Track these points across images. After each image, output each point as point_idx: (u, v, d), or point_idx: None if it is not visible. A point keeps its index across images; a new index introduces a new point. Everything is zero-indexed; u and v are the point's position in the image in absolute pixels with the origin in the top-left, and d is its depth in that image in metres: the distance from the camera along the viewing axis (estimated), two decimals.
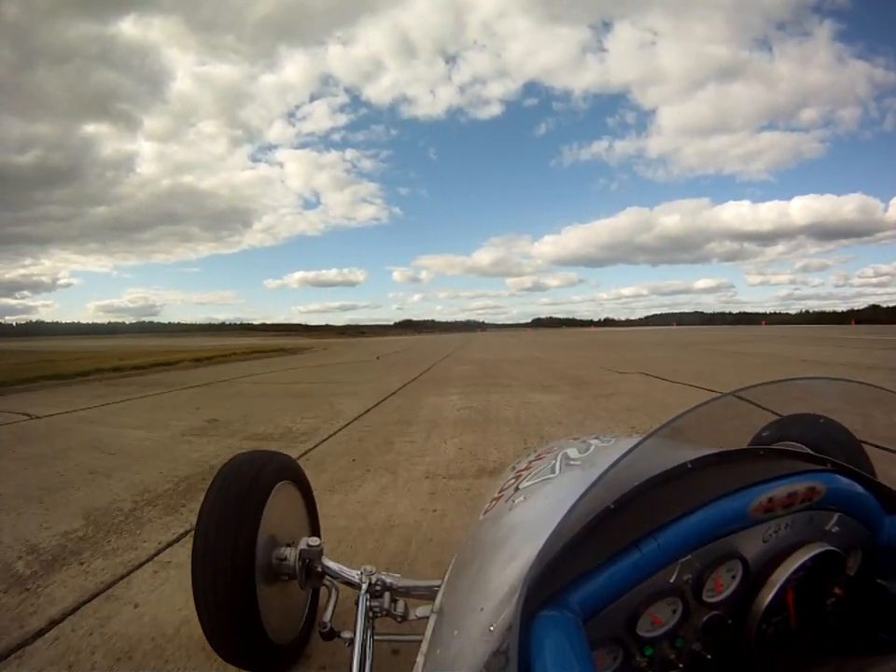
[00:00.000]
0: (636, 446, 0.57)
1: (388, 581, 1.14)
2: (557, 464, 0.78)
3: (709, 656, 0.55)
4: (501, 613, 0.51)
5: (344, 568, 1.18)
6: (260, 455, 1.24)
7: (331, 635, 1.05)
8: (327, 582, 1.18)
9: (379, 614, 1.09)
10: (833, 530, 0.60)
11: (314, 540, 1.16)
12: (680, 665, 0.55)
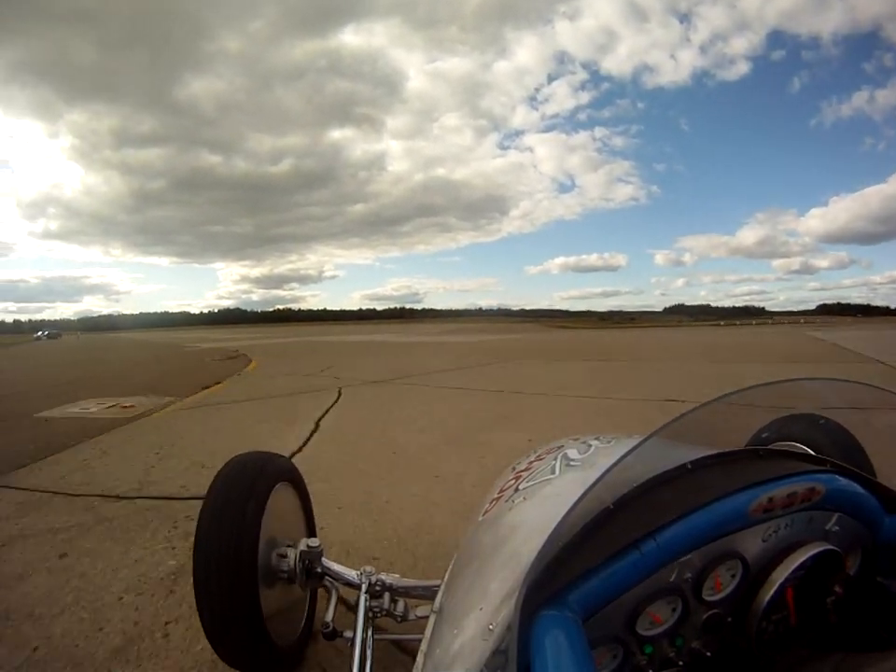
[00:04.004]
0: (636, 447, 0.58)
1: (388, 581, 1.14)
2: (557, 464, 0.79)
3: (709, 654, 0.55)
4: (501, 613, 0.52)
5: (344, 569, 1.18)
6: (259, 457, 1.24)
7: (333, 635, 1.05)
8: (327, 583, 1.18)
9: (379, 614, 1.09)
10: (833, 530, 0.60)
11: (314, 541, 1.16)
12: (680, 664, 0.55)
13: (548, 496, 0.71)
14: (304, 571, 1.15)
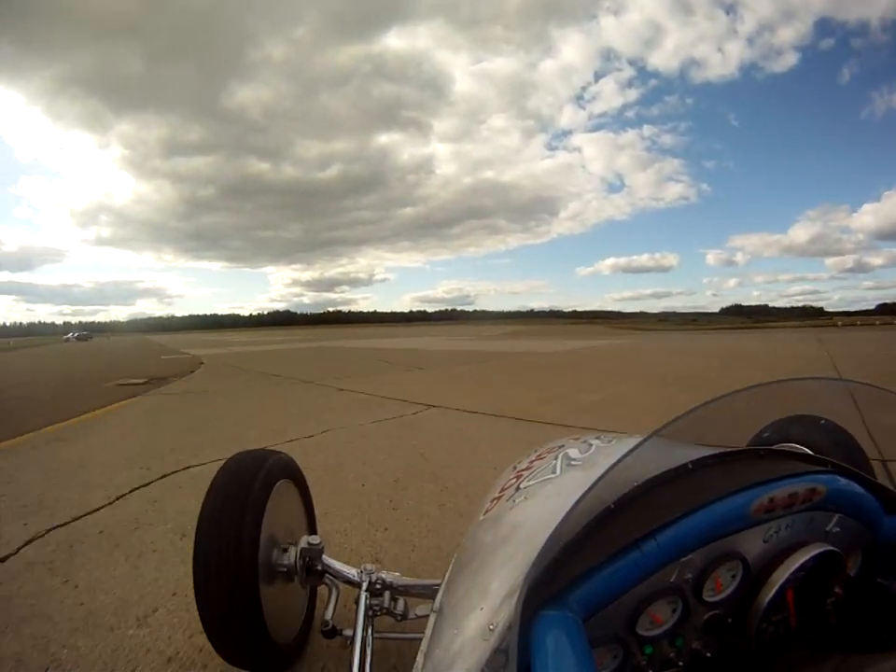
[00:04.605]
0: (636, 446, 0.58)
1: (388, 579, 1.14)
2: (558, 464, 0.79)
3: (709, 655, 0.55)
4: (502, 612, 0.52)
5: (345, 567, 1.19)
6: (260, 454, 1.24)
7: (333, 633, 1.05)
8: (327, 581, 1.18)
9: (379, 613, 1.09)
10: (834, 531, 0.60)
11: (314, 539, 1.16)
12: (680, 664, 0.55)
13: (549, 495, 0.71)
14: (305, 569, 1.15)
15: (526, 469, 0.84)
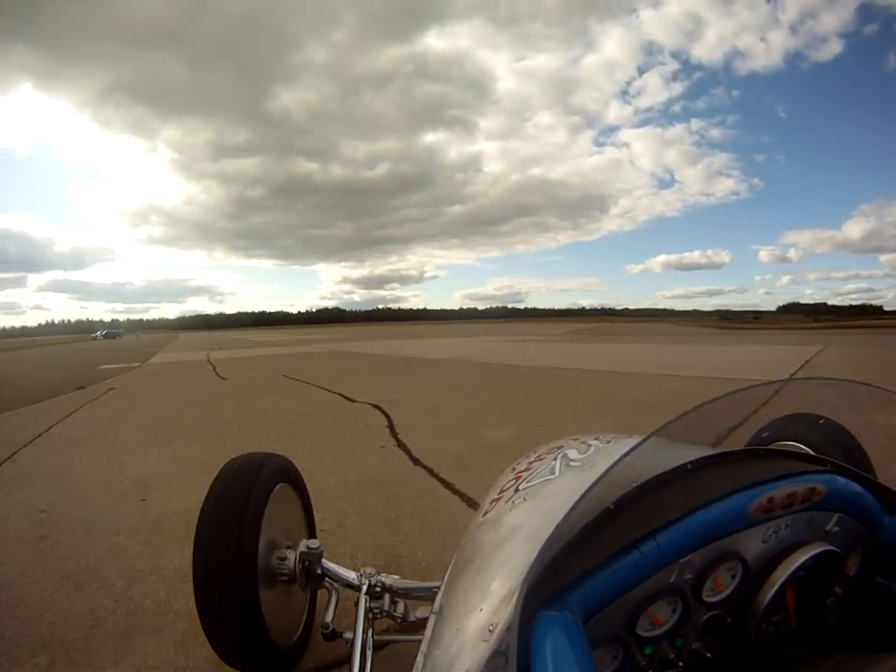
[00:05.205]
0: (635, 447, 0.58)
1: (388, 582, 1.14)
2: (557, 465, 0.79)
3: (709, 655, 0.55)
4: (501, 613, 0.51)
5: (344, 570, 1.18)
6: (259, 458, 1.24)
7: (333, 636, 1.05)
8: (327, 584, 1.18)
9: (379, 615, 1.09)
10: (833, 530, 0.60)
11: (314, 542, 1.16)
12: (680, 665, 0.55)
13: (548, 496, 0.71)
14: (304, 572, 1.15)
15: (525, 470, 0.84)
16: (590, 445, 0.83)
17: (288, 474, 1.31)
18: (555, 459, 0.81)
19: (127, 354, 20.56)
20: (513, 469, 0.90)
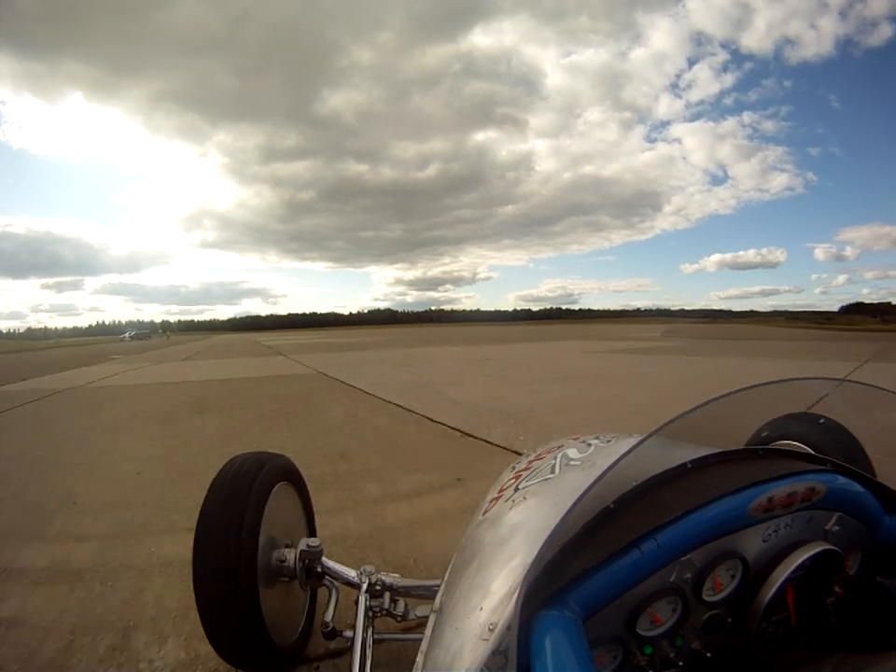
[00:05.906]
0: (635, 446, 0.58)
1: (388, 580, 1.14)
2: (557, 464, 0.78)
3: (709, 655, 0.55)
4: (501, 613, 0.51)
5: (344, 569, 1.18)
6: (259, 457, 1.24)
7: (333, 634, 1.05)
8: (327, 583, 1.18)
9: (379, 614, 1.09)
10: (833, 530, 0.60)
11: (314, 541, 1.16)
12: (680, 664, 0.55)
13: (548, 495, 0.71)
14: (304, 571, 1.15)
15: (525, 469, 0.84)
16: (590, 444, 0.83)
17: (289, 473, 1.31)
18: (555, 458, 0.81)
19: (85, 359, 18.05)
20: (513, 468, 0.89)
